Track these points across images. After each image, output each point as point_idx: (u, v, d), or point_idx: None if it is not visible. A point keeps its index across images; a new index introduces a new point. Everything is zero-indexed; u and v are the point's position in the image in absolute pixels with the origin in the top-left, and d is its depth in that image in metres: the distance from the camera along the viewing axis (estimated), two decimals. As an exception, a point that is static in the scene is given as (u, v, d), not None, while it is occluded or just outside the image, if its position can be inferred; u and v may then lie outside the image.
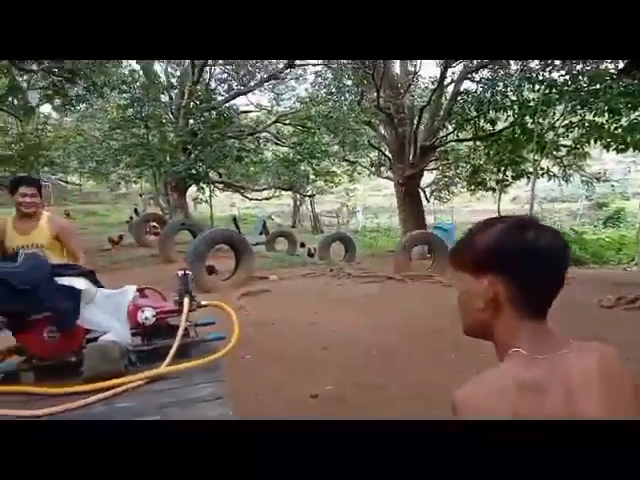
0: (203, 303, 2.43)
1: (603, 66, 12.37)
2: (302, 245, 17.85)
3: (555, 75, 12.37)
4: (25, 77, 15.96)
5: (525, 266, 0.96)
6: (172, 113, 18.54)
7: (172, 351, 2.04)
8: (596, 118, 11.44)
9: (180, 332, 2.13)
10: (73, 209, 26.93)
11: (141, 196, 30.49)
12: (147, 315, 2.21)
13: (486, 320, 1.02)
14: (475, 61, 15.07)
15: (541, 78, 12.20)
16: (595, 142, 12.44)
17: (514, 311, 0.99)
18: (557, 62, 13.14)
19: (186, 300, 2.28)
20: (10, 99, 18.01)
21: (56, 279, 2.12)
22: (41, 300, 2.01)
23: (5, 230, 3.52)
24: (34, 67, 15.05)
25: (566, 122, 12.38)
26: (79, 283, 2.16)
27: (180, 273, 2.37)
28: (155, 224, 16.81)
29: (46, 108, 23.44)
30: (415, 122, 15.33)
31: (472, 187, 17.74)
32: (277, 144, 22.10)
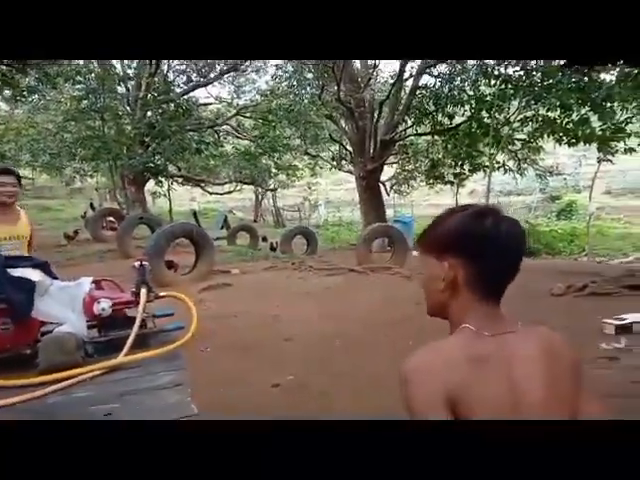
0: (161, 294, 2.43)
1: (555, 62, 12.78)
2: (264, 239, 17.75)
3: (510, 71, 12.71)
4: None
5: (483, 251, 1.01)
6: (129, 105, 18.09)
7: (129, 341, 2.03)
8: (549, 113, 11.84)
9: (137, 323, 2.13)
10: (26, 204, 25.91)
11: (97, 190, 29.66)
12: (104, 306, 2.19)
13: (444, 301, 1.08)
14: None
15: (497, 73, 12.50)
16: (548, 136, 12.87)
17: (470, 293, 1.04)
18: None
19: (143, 291, 2.26)
20: (-44, 90, 17.20)
21: (9, 271, 2.08)
22: (-7, 292, 1.97)
23: None
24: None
25: (521, 117, 12.74)
26: (33, 275, 2.13)
27: (137, 264, 2.36)
28: (112, 219, 16.38)
29: (-5, 99, 22.49)
30: (375, 116, 15.47)
31: (431, 181, 18.04)
32: (238, 137, 21.86)
